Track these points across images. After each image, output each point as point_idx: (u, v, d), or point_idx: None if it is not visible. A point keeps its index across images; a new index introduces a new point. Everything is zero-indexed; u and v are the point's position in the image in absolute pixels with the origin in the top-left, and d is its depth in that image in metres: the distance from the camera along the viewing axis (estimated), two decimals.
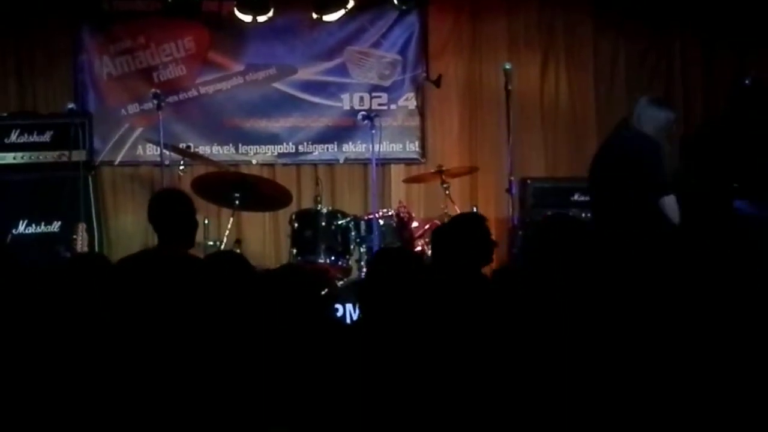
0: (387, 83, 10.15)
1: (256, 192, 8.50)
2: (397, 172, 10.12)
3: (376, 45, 10.14)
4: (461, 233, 5.14)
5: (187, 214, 5.32)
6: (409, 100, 10.18)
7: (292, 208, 9.02)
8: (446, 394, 3.80)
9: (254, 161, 9.89)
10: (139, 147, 9.79)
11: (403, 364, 3.88)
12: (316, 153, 10.10)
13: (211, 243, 8.76)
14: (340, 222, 8.54)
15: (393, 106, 10.15)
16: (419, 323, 4.08)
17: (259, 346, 4.02)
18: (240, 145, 9.97)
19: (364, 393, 3.79)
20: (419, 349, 3.90)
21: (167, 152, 8.88)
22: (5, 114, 9.26)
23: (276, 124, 10.03)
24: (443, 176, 9.11)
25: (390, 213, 8.71)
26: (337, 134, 10.08)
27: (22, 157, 8.94)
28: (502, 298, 4.16)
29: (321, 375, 3.83)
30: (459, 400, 3.79)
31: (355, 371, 3.85)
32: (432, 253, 5.57)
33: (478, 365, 3.82)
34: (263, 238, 9.87)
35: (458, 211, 8.98)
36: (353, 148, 10.07)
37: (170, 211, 5.32)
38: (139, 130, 9.75)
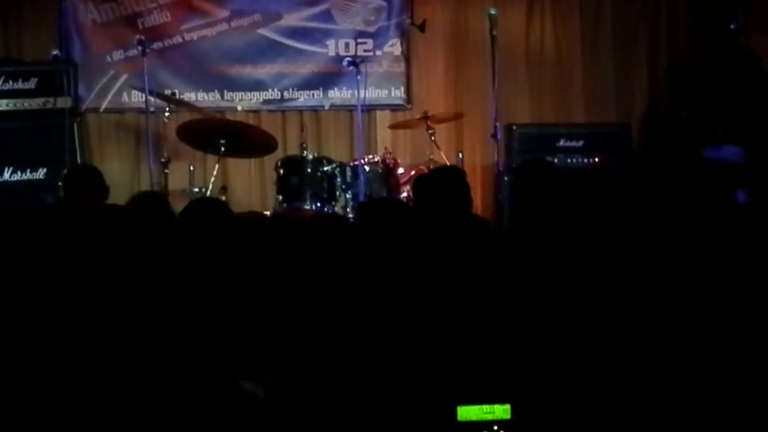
0: (372, 29, 10.12)
1: (241, 139, 8.50)
2: (382, 119, 10.12)
3: None
4: (440, 186, 5.18)
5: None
6: (394, 46, 10.15)
7: (278, 154, 9.02)
8: (431, 340, 3.83)
9: (239, 108, 9.88)
10: (125, 94, 9.77)
11: (390, 310, 3.91)
12: (302, 99, 10.09)
13: (196, 190, 8.78)
14: (325, 168, 8.56)
15: (378, 52, 10.13)
16: (404, 270, 4.11)
17: (245, 292, 4.05)
18: (225, 91, 9.94)
19: (352, 340, 3.82)
20: (404, 296, 3.93)
21: (152, 99, 8.87)
22: None
23: (261, 71, 10.01)
24: (429, 122, 9.12)
25: (376, 159, 8.73)
26: (323, 80, 10.06)
27: (6, 105, 8.92)
28: (484, 245, 4.20)
29: (310, 322, 3.87)
30: (444, 345, 3.83)
31: (342, 319, 3.89)
32: (414, 202, 5.61)
33: (461, 311, 3.86)
34: (249, 185, 9.88)
35: (444, 158, 9.00)
36: (339, 95, 10.05)
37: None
38: (124, 77, 9.72)
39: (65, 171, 7.43)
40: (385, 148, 9.23)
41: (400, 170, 8.74)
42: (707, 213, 3.96)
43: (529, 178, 5.67)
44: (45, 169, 8.83)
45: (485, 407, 3.67)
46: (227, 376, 3.76)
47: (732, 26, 9.93)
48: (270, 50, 10.01)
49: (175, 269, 4.29)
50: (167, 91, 9.35)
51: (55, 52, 9.36)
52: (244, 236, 4.38)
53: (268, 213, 8.16)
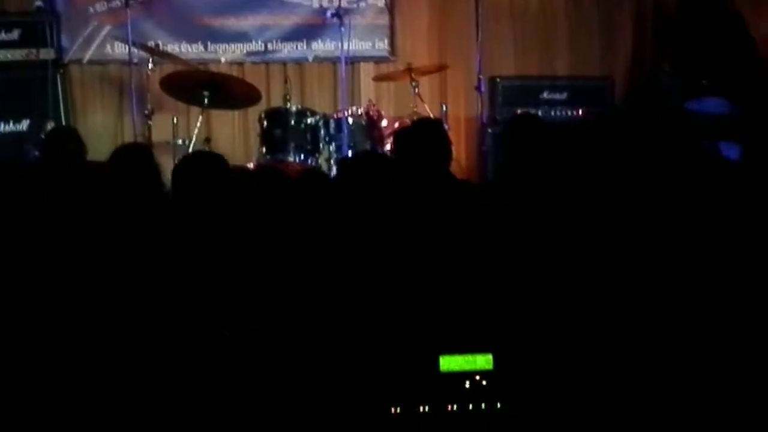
0: None
1: (225, 90, 8.49)
2: (366, 71, 10.10)
3: None
4: (421, 138, 5.20)
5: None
6: None
7: (262, 106, 9.02)
8: (414, 291, 3.86)
9: (223, 60, 9.84)
10: (108, 45, 9.72)
11: (372, 262, 3.94)
12: (285, 51, 10.05)
13: (180, 142, 8.78)
14: (309, 120, 8.56)
15: (362, 4, 10.08)
16: (386, 223, 4.14)
17: (235, 245, 4.07)
18: (209, 43, 9.90)
19: (335, 293, 3.85)
20: (386, 248, 3.96)
21: (136, 51, 8.84)
22: None
23: (245, 23, 9.96)
24: (412, 74, 9.11)
25: (359, 111, 8.73)
26: (306, 32, 10.02)
27: None
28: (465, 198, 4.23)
29: (294, 275, 3.90)
30: (426, 296, 3.86)
31: (326, 271, 3.92)
32: (395, 155, 5.63)
33: (442, 262, 3.89)
34: (232, 137, 9.86)
35: (427, 110, 9.00)
36: (322, 47, 10.02)
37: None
38: (107, 28, 9.67)
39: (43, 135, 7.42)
40: (369, 101, 9.23)
41: (384, 122, 8.73)
42: (686, 164, 3.99)
43: (518, 133, 5.70)
44: (28, 121, 8.80)
45: (467, 357, 3.70)
46: (212, 325, 3.78)
47: None
48: (253, 2, 9.95)
49: (165, 223, 4.31)
50: (150, 43, 9.32)
51: (38, 3, 9.30)
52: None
53: (251, 165, 8.17)
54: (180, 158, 5.03)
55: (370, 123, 8.64)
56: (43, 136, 7.45)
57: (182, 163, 4.70)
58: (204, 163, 4.63)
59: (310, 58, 10.03)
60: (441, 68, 9.65)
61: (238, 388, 3.67)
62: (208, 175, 4.47)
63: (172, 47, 9.68)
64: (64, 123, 8.93)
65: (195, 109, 8.93)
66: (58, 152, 5.96)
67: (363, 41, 10.03)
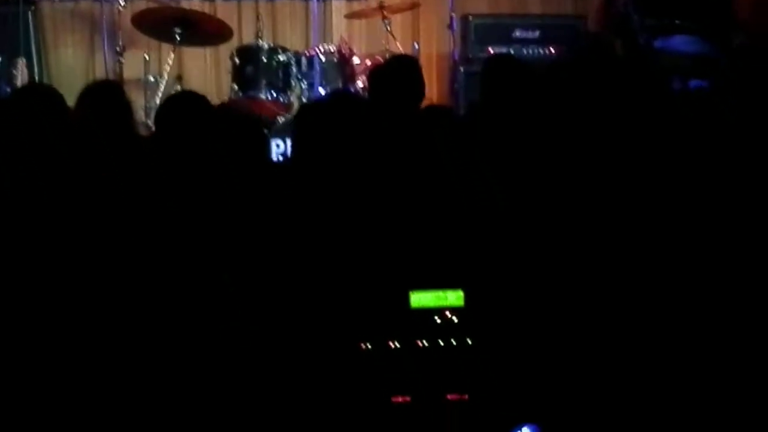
0: None
1: (196, 27, 8.47)
2: (338, 8, 10.05)
3: None
4: (397, 75, 5.21)
5: None
6: None
7: (233, 43, 8.99)
8: (384, 227, 3.89)
9: None
10: None
11: (343, 198, 3.96)
12: None
13: (152, 79, 8.75)
14: (281, 58, 8.54)
15: None
16: (355, 158, 4.15)
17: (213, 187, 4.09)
18: None
19: (306, 230, 3.87)
20: (356, 184, 3.98)
21: None
22: None
23: None
24: (384, 12, 9.09)
25: (331, 49, 8.71)
26: None
27: None
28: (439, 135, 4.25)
29: (263, 216, 3.91)
30: (397, 232, 3.89)
31: (295, 209, 3.94)
32: (370, 92, 5.64)
33: (413, 199, 3.91)
34: (204, 74, 9.83)
35: (399, 48, 8.99)
36: None
37: None
38: None
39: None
40: (341, 38, 9.21)
41: (356, 60, 8.72)
42: (653, 101, 4.02)
43: (495, 73, 5.71)
44: (0, 58, 8.75)
45: (438, 293, 3.73)
46: (197, 269, 3.81)
47: None
48: None
49: (138, 163, 4.32)
50: None
51: None
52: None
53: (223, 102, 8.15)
54: (164, 99, 5.00)
55: (342, 60, 8.62)
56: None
57: (168, 104, 4.70)
58: (191, 104, 4.63)
59: None
60: (413, 6, 9.62)
61: (213, 327, 3.71)
62: (195, 116, 4.47)
63: None
64: (35, 60, 8.89)
65: (167, 46, 8.89)
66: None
67: None
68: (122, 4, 8.79)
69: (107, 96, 5.12)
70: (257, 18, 9.26)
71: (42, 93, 4.64)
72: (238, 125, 4.47)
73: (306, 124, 4.35)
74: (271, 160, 4.19)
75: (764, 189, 3.80)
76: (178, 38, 8.36)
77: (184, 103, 4.62)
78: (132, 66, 8.89)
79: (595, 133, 3.91)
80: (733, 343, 3.64)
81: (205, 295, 3.73)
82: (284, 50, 8.65)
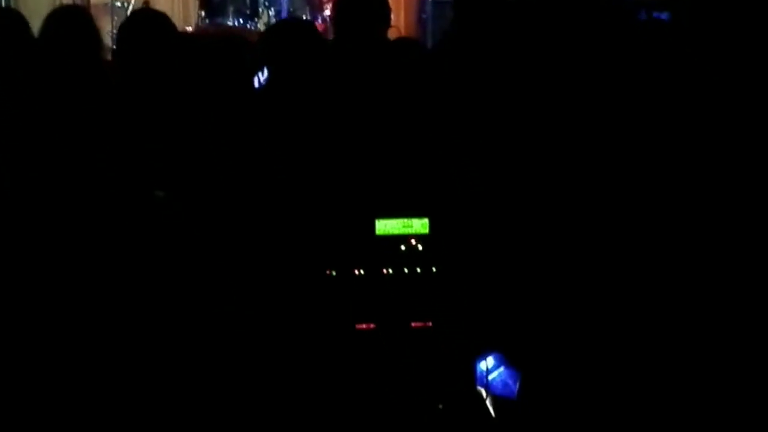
0: None
1: None
2: None
3: None
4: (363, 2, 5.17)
5: None
6: None
7: None
8: (350, 153, 3.89)
9: None
10: None
11: (307, 126, 3.95)
12: None
13: (118, 4, 8.68)
14: None
15: None
16: (324, 86, 4.15)
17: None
18: None
19: (271, 155, 3.87)
20: (322, 112, 3.98)
21: None
22: None
23: None
24: None
25: None
26: None
27: None
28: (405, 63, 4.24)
29: (226, 138, 3.90)
30: (363, 158, 3.89)
31: (260, 132, 3.93)
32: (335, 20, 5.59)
33: (380, 125, 3.91)
34: (171, 0, 9.74)
35: None
36: None
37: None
38: None
39: None
40: None
41: None
42: (619, 30, 4.02)
43: (469, 2, 5.66)
44: None
45: (404, 221, 3.74)
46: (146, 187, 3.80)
47: None
48: None
49: (103, 86, 4.30)
50: None
51: None
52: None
53: (190, 29, 8.11)
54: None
55: None
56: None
57: (130, 21, 4.66)
58: (153, 22, 4.59)
59: None
60: None
61: (171, 251, 3.71)
62: (157, 34, 4.44)
63: None
64: None
65: None
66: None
67: None
68: None
69: (73, 21, 5.07)
70: None
71: (5, 17, 4.60)
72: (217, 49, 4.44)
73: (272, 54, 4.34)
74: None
75: (720, 120, 3.80)
76: None
77: (147, 21, 4.60)
78: None
79: (566, 62, 3.91)
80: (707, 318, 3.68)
81: (173, 225, 3.74)
82: None
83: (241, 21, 8.37)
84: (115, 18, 8.56)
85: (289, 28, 4.65)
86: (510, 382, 3.68)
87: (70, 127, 3.96)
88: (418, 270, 3.73)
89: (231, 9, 8.35)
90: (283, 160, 3.82)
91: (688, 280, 3.54)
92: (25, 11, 6.37)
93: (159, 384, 3.65)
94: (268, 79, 4.48)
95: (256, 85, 5.60)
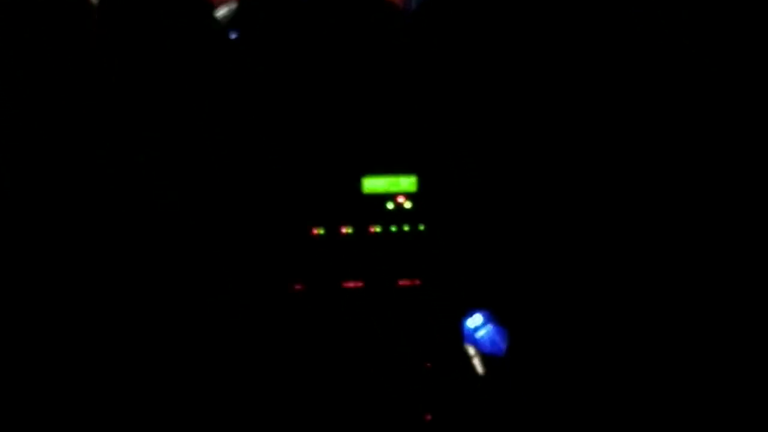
0: None
1: None
2: None
3: None
4: None
5: None
6: None
7: None
8: (334, 109, 3.86)
9: None
10: None
11: (290, 82, 3.91)
12: None
13: None
14: None
15: None
16: (304, 43, 4.10)
17: None
18: None
19: (251, 113, 3.83)
20: (303, 67, 3.94)
21: None
22: None
23: None
24: None
25: None
26: None
27: None
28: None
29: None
30: (349, 114, 3.85)
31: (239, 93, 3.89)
32: None
33: (365, 78, 3.87)
34: None
35: None
36: None
37: None
38: None
39: None
40: None
41: None
42: None
43: None
44: None
45: (391, 179, 3.72)
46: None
47: None
48: None
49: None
50: None
51: None
52: None
53: None
54: None
55: None
56: None
57: None
58: None
59: None
60: None
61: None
62: None
63: None
64: None
65: None
66: None
67: None
68: None
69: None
70: None
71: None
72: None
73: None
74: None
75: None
76: None
77: None
78: None
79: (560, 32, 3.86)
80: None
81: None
82: None
83: None
84: None
85: None
86: (498, 339, 3.67)
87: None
88: (406, 228, 3.72)
89: None
90: (267, 116, 3.79)
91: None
92: None
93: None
94: (243, 36, 4.44)
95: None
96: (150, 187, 3.66)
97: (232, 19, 3.93)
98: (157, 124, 3.73)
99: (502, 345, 3.67)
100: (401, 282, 3.70)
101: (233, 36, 4.18)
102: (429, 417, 3.66)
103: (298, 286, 3.67)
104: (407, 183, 3.73)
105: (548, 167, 3.74)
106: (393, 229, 3.71)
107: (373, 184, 3.71)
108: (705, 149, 3.68)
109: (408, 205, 3.72)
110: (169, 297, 3.62)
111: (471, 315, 3.71)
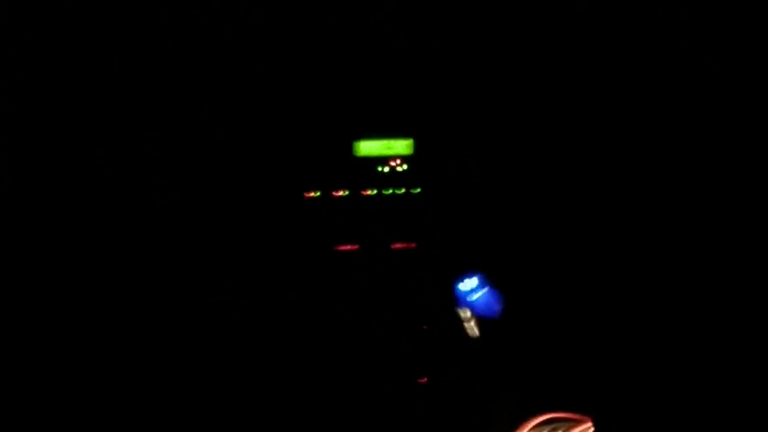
0: None
1: None
2: None
3: None
4: None
5: None
6: None
7: None
8: (327, 70, 3.84)
9: None
10: None
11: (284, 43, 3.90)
12: None
13: None
14: None
15: None
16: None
17: None
18: None
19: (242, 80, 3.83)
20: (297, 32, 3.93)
21: None
22: None
23: None
24: None
25: None
26: None
27: None
28: None
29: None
30: (342, 75, 3.85)
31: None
32: None
33: (358, 42, 3.86)
34: None
35: None
36: None
37: None
38: None
39: None
40: None
41: None
42: None
43: None
44: None
45: (386, 142, 3.71)
46: None
47: None
48: None
49: None
50: None
51: None
52: None
53: None
54: None
55: None
56: None
57: None
58: None
59: None
60: None
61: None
62: None
63: None
64: None
65: None
66: None
67: None
68: None
69: None
70: None
71: None
72: None
73: None
74: None
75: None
76: None
77: None
78: None
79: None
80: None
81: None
82: None
83: None
84: None
85: None
86: (492, 302, 3.65)
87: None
88: (401, 191, 3.71)
89: None
90: (257, 81, 3.80)
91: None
92: None
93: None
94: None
95: None
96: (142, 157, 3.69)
97: None
98: (148, 96, 3.76)
99: (497, 308, 3.65)
100: (395, 245, 3.69)
101: None
102: (425, 380, 3.65)
103: (291, 250, 3.67)
104: (402, 146, 3.71)
105: (542, 129, 3.72)
106: (387, 192, 3.70)
107: (367, 147, 3.70)
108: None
109: (403, 168, 3.71)
110: (164, 265, 3.66)
111: (465, 278, 3.69)
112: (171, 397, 3.59)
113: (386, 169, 3.71)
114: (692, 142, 3.65)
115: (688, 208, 3.63)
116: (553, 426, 3.33)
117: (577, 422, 3.32)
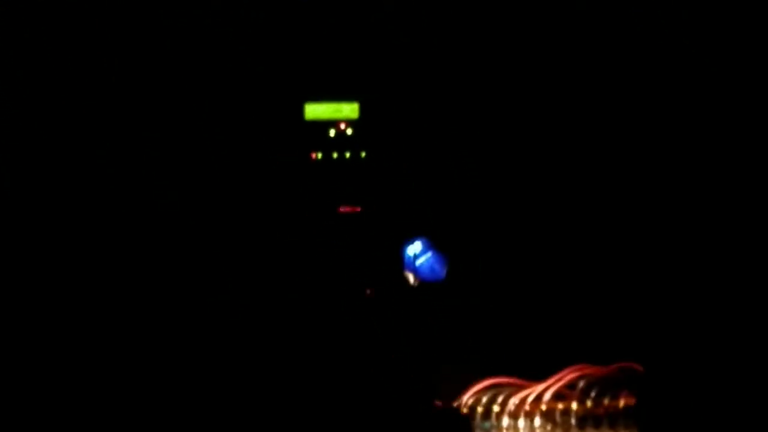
0: None
1: None
2: None
3: None
4: None
5: None
6: None
7: None
8: (278, 36, 3.82)
9: None
10: None
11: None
12: None
13: None
14: None
15: None
16: None
17: None
18: None
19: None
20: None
21: None
22: None
23: None
24: None
25: None
26: None
27: None
28: None
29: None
30: (291, 39, 3.83)
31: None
32: None
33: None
34: None
35: None
36: None
37: None
38: None
39: None
40: None
41: None
42: None
43: None
44: None
45: (333, 105, 3.71)
46: None
47: None
48: None
49: None
50: None
51: None
52: None
53: None
54: None
55: None
56: None
57: None
58: None
59: None
60: None
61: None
62: None
63: None
64: None
65: None
66: None
67: None
68: None
69: None
70: None
71: None
72: None
73: None
74: None
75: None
76: None
77: None
78: None
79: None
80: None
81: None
82: None
83: None
84: None
85: None
86: (437, 266, 3.68)
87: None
88: (347, 155, 3.72)
89: None
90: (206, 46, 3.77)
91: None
92: None
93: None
94: None
95: None
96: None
97: None
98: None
99: (442, 272, 3.69)
100: (342, 209, 3.70)
101: None
102: (371, 345, 3.67)
103: (240, 211, 3.67)
104: (349, 110, 3.72)
105: (486, 90, 3.73)
106: (335, 155, 3.71)
107: (315, 111, 3.70)
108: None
109: (350, 131, 3.71)
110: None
111: (411, 242, 3.71)
112: (170, 364, 3.60)
113: (333, 133, 3.71)
114: (674, 136, 3.70)
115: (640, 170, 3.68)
116: (497, 390, 3.39)
117: (521, 387, 3.38)
